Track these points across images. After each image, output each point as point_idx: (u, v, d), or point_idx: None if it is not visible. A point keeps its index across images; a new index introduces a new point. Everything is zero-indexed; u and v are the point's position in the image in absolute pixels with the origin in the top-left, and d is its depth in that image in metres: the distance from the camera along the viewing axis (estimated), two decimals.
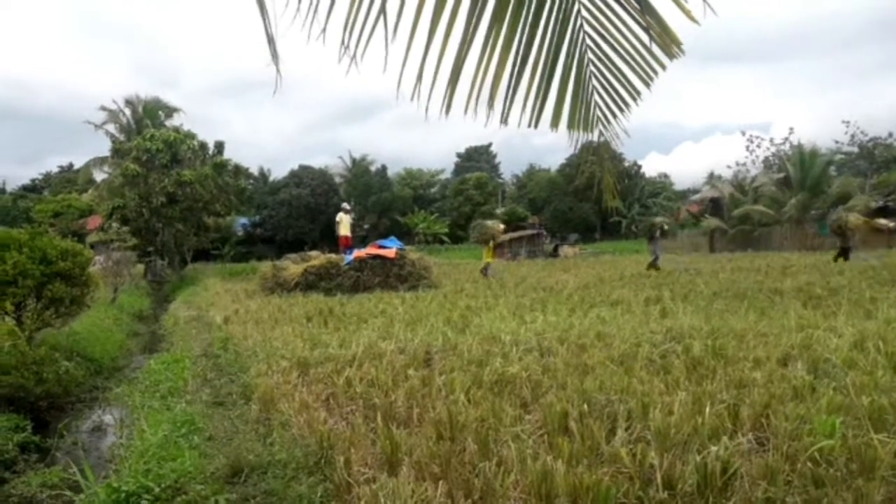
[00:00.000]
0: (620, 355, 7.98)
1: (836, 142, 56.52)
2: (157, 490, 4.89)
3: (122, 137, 39.04)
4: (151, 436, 6.25)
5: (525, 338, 9.32)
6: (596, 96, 2.52)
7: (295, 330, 11.71)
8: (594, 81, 2.48)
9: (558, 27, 2.30)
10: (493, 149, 74.83)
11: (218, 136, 55.38)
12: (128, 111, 41.37)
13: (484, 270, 24.81)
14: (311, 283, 20.24)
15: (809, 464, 4.33)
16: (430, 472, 4.56)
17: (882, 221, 41.57)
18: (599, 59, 2.43)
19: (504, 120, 2.33)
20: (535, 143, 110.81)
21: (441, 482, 4.35)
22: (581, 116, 2.50)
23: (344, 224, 25.20)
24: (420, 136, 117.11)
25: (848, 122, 57.40)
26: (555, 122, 2.46)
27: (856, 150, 57.34)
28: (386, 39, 2.04)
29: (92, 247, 27.88)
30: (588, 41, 2.38)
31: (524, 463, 4.47)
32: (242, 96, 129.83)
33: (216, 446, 6.07)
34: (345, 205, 27.19)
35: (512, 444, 4.86)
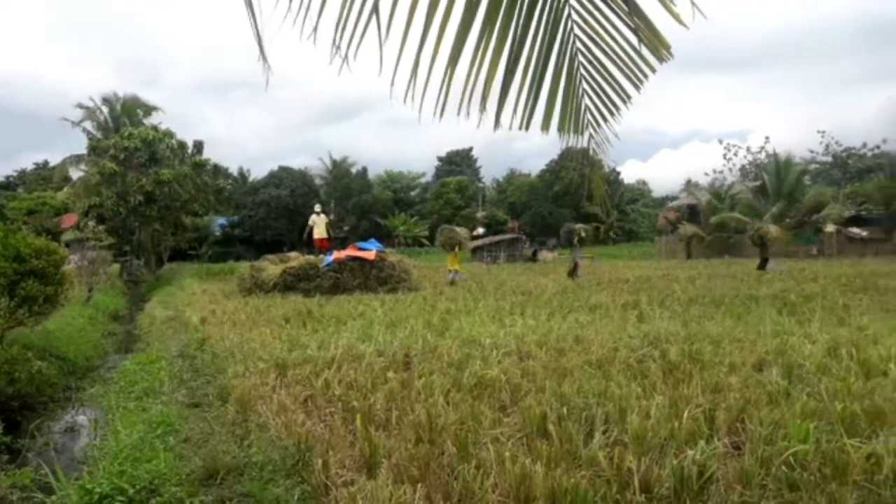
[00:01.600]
0: (598, 359, 8.03)
1: (811, 151, 57.45)
2: (131, 492, 4.82)
3: (99, 135, 38.56)
4: (126, 437, 6.17)
5: (504, 341, 9.35)
6: (586, 99, 2.52)
7: (273, 331, 11.64)
8: (584, 84, 2.48)
9: (549, 29, 2.30)
10: (475, 153, 74.98)
11: (197, 135, 55.18)
12: (105, 109, 40.91)
13: (453, 278, 23.89)
14: (289, 284, 20.13)
15: (784, 468, 4.38)
16: (408, 475, 4.55)
17: (855, 230, 42.39)
18: (590, 62, 2.43)
19: (496, 122, 2.33)
20: (515, 148, 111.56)
21: (420, 485, 4.34)
22: (571, 119, 2.50)
23: (318, 227, 24.81)
24: (401, 138, 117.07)
25: (823, 132, 58.29)
26: (545, 126, 2.45)
27: (830, 159, 58.25)
28: (379, 40, 2.04)
29: (67, 245, 27.46)
30: (578, 44, 2.38)
31: (503, 466, 4.47)
32: (223, 95, 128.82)
33: (192, 448, 6.01)
34: (316, 207, 26.63)
35: (491, 446, 4.87)
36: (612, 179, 63.42)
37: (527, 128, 2.40)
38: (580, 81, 2.46)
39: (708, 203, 48.76)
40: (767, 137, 67.76)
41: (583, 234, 26.76)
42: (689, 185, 60.14)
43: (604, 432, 5.22)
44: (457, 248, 25.04)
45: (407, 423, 5.64)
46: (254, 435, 5.90)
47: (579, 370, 7.45)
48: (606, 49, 2.38)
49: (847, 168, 56.92)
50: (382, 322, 12.20)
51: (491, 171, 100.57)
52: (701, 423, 5.32)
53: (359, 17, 2.05)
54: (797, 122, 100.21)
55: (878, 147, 56.21)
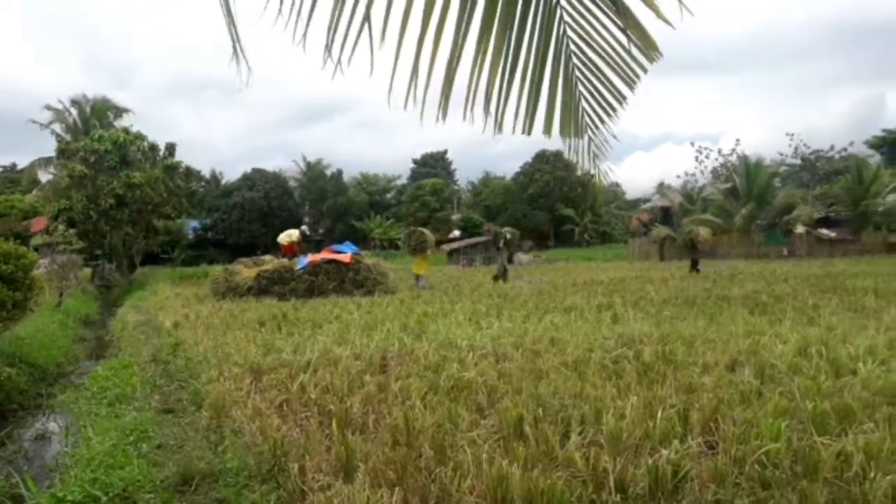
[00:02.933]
0: (574, 361, 8.08)
1: (781, 154, 58.46)
2: (104, 499, 4.76)
3: (68, 138, 37.92)
4: (98, 444, 6.08)
5: (481, 343, 9.37)
6: (583, 102, 2.52)
7: (247, 335, 11.54)
8: (580, 87, 2.49)
9: (543, 32, 2.30)
10: (449, 156, 75.07)
11: (169, 137, 54.36)
12: (74, 111, 40.24)
13: (418, 280, 22.94)
14: (264, 287, 19.97)
15: (757, 466, 4.45)
16: (385, 479, 4.54)
17: (824, 231, 43.16)
18: (584, 64, 2.43)
19: (498, 127, 2.34)
20: (490, 151, 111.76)
21: (397, 488, 4.34)
22: (571, 122, 2.50)
23: (292, 237, 24.66)
24: (375, 141, 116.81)
25: (792, 134, 59.40)
26: (547, 129, 2.44)
27: (799, 162, 59.29)
28: (371, 46, 2.03)
29: (36, 249, 27.01)
30: (572, 46, 2.39)
31: (480, 468, 4.48)
32: (194, 97, 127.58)
33: (166, 454, 5.95)
34: (304, 228, 26.59)
35: (468, 449, 4.88)
36: (586, 182, 63.96)
37: (529, 132, 2.40)
38: (576, 84, 2.47)
39: (680, 205, 49.37)
40: (738, 140, 69.05)
41: (508, 237, 26.53)
42: (662, 188, 60.81)
43: (580, 433, 5.26)
44: (429, 252, 24.22)
45: (384, 427, 5.63)
46: (228, 440, 5.85)
47: (555, 371, 7.49)
48: (599, 50, 2.39)
49: (815, 170, 58.01)
50: (359, 325, 12.16)
51: (466, 173, 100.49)
52: (675, 423, 5.38)
53: (350, 23, 2.05)
54: (767, 124, 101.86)
55: (845, 149, 57.45)
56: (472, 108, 2.27)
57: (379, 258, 26.00)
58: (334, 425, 5.65)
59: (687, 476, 4.31)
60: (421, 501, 4.29)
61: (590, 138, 2.61)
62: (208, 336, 11.67)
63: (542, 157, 62.03)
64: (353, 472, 4.76)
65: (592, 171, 2.77)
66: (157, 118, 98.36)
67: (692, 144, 63.30)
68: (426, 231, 25.15)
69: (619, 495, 4.18)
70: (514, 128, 2.39)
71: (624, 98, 2.51)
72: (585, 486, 4.30)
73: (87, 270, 33.52)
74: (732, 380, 6.91)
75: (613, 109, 2.55)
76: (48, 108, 39.44)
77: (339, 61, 2.07)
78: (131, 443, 6.11)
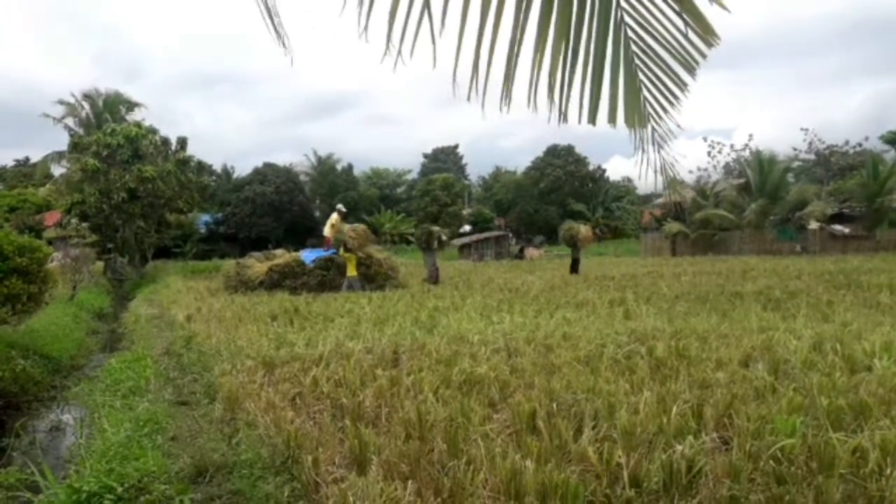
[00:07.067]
0: (586, 356, 8.06)
1: (795, 149, 57.93)
2: (119, 490, 4.78)
3: (81, 131, 38.13)
4: (113, 435, 6.12)
5: (492, 338, 9.37)
6: (644, 90, 2.47)
7: (260, 329, 11.59)
8: (640, 75, 2.43)
9: (602, 19, 2.25)
10: (460, 150, 75.03)
11: (180, 132, 54.89)
12: (87, 105, 40.44)
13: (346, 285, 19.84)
14: (275, 281, 20.05)
15: (772, 462, 4.42)
16: (398, 472, 4.55)
17: (838, 227, 42.80)
18: (643, 52, 2.39)
19: (563, 116, 2.29)
20: (501, 146, 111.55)
21: (410, 481, 4.34)
22: (636, 111, 2.43)
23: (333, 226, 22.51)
24: (386, 135, 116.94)
25: (806, 129, 58.93)
26: (612, 118, 2.37)
27: (813, 157, 58.79)
28: (432, 36, 2.02)
29: (50, 243, 27.24)
30: (630, 33, 2.35)
31: (493, 462, 4.49)
32: (206, 91, 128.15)
33: (180, 446, 5.98)
34: (340, 206, 23.77)
35: (481, 443, 4.88)
36: (598, 176, 63.72)
37: (593, 122, 2.34)
38: (637, 72, 2.42)
39: (693, 200, 49.03)
40: (751, 135, 68.61)
41: (443, 238, 24.85)
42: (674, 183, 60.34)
43: (593, 428, 5.24)
44: (341, 249, 20.56)
45: (396, 420, 5.64)
46: (242, 433, 5.87)
47: (568, 366, 7.48)
48: (657, 36, 2.34)
49: (830, 165, 57.48)
50: (370, 319, 12.19)
51: (476, 168, 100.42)
52: (689, 419, 5.36)
53: (408, 14, 2.04)
54: (781, 120, 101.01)
55: (859, 145, 56.91)
56: (535, 97, 2.23)
57: (390, 253, 25.99)
58: (347, 419, 5.67)
59: (701, 471, 4.30)
60: (434, 495, 4.29)
61: (653, 128, 2.55)
62: (221, 329, 11.73)
63: (553, 151, 61.81)
64: (367, 464, 4.77)
65: (658, 161, 2.67)
66: (168, 112, 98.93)
67: (704, 139, 62.63)
68: (345, 226, 21.26)
69: (633, 490, 4.17)
70: (578, 117, 2.33)
71: (685, 85, 2.44)
72: (599, 480, 4.29)
73: (100, 264, 33.70)
74: (746, 375, 6.88)
75: (675, 97, 2.48)
76: (61, 102, 39.72)
77: (399, 51, 2.05)
78: (146, 434, 6.16)
